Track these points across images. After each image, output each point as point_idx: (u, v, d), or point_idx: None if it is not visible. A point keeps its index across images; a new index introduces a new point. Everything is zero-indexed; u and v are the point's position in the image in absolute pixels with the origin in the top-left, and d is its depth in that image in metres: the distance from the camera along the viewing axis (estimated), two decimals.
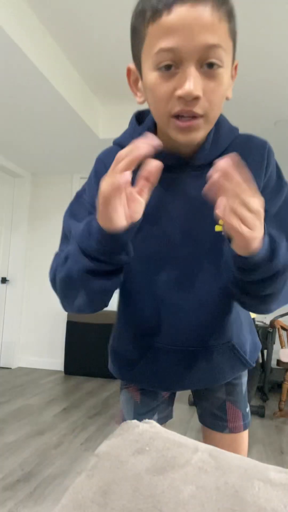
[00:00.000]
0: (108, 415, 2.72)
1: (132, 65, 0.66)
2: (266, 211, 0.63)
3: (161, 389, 0.86)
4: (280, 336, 3.23)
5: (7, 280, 4.17)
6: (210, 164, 0.64)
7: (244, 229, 0.50)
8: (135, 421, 0.68)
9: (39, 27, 2.10)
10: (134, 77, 0.66)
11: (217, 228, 0.68)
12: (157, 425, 0.66)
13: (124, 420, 0.87)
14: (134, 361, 0.80)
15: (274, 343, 3.30)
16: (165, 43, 0.55)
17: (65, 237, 0.70)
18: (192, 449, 0.57)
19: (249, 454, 2.09)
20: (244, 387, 0.90)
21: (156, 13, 0.55)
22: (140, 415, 0.86)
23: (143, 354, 0.78)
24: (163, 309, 0.73)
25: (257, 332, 3.50)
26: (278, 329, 3.21)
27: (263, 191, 0.67)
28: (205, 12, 0.54)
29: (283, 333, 3.27)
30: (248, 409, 0.90)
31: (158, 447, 0.57)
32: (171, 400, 0.91)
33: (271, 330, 3.22)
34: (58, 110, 2.64)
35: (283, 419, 2.83)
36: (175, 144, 0.65)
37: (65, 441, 2.26)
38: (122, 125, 2.90)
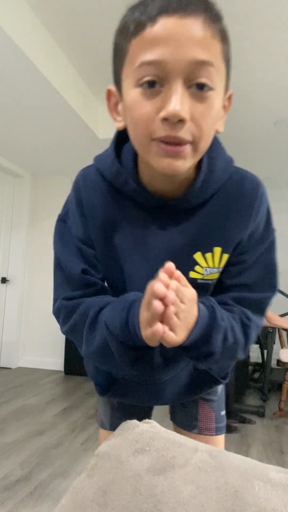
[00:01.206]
0: None
1: (112, 87, 0.59)
2: (244, 261, 0.66)
3: (138, 405, 0.84)
4: (280, 336, 3.23)
5: (7, 280, 4.17)
6: (197, 207, 0.62)
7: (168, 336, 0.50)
8: (135, 421, 0.68)
9: (40, 27, 2.10)
10: (114, 100, 0.59)
11: (192, 274, 0.66)
12: (157, 425, 0.66)
13: (101, 421, 0.86)
14: (110, 384, 0.78)
15: (274, 343, 3.30)
16: (148, 55, 0.48)
17: (69, 277, 0.66)
18: (192, 449, 0.57)
19: (249, 454, 2.09)
20: (221, 389, 0.85)
21: (139, 26, 0.49)
22: (117, 419, 0.81)
23: (117, 381, 0.77)
24: None
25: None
26: (278, 329, 3.21)
27: (248, 240, 0.65)
28: (196, 26, 0.47)
29: (283, 333, 3.27)
30: (223, 413, 0.84)
31: (158, 447, 0.57)
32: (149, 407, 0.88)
33: (271, 330, 3.22)
34: (58, 110, 2.64)
35: (283, 419, 2.83)
36: (159, 181, 0.61)
37: (65, 441, 2.26)
38: None
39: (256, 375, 3.77)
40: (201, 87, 0.49)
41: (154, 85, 0.49)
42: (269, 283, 0.67)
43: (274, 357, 3.36)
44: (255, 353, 3.91)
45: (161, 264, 0.63)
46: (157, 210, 0.63)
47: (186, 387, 0.77)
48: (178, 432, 0.86)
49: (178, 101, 0.47)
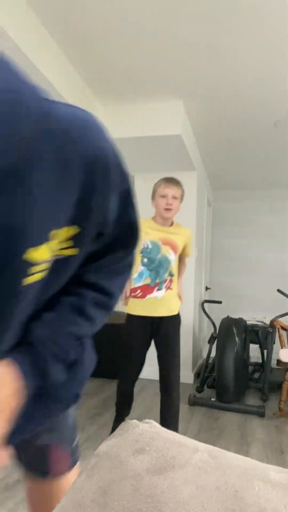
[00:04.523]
0: (108, 415, 2.71)
1: None
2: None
3: None
4: (280, 336, 3.23)
5: None
6: None
7: None
8: (135, 421, 0.68)
9: (40, 28, 2.10)
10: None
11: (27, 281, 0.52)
12: (157, 425, 0.66)
13: None
14: None
15: (274, 343, 3.30)
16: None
17: None
18: (192, 449, 0.57)
19: (249, 454, 2.09)
20: (71, 413, 0.72)
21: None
22: None
23: None
24: None
25: (257, 332, 3.51)
26: (278, 329, 3.21)
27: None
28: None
29: (283, 333, 3.27)
30: (76, 441, 0.72)
31: (158, 447, 0.57)
32: None
33: (271, 330, 3.22)
34: None
35: (283, 419, 2.83)
36: None
37: None
38: (122, 125, 2.91)
39: (256, 375, 3.77)
40: None
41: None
42: None
43: (274, 357, 3.36)
44: (255, 353, 3.91)
45: None
46: None
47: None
48: (30, 482, 0.73)
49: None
